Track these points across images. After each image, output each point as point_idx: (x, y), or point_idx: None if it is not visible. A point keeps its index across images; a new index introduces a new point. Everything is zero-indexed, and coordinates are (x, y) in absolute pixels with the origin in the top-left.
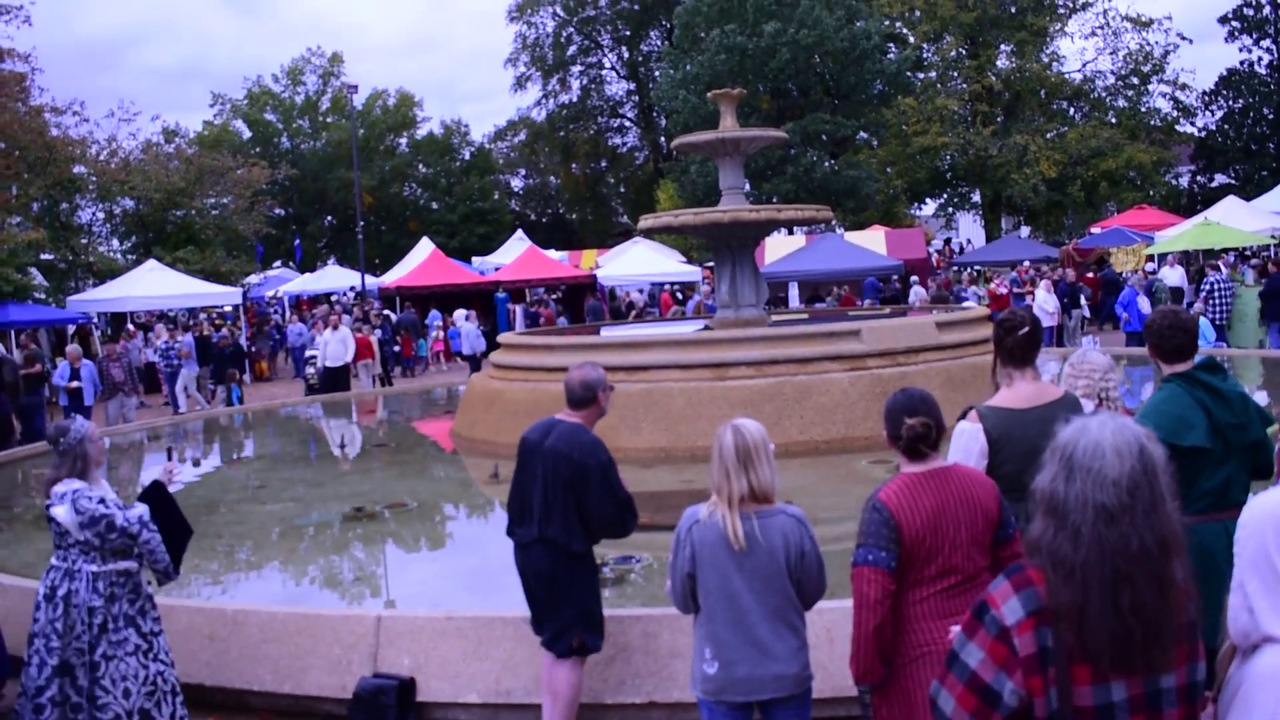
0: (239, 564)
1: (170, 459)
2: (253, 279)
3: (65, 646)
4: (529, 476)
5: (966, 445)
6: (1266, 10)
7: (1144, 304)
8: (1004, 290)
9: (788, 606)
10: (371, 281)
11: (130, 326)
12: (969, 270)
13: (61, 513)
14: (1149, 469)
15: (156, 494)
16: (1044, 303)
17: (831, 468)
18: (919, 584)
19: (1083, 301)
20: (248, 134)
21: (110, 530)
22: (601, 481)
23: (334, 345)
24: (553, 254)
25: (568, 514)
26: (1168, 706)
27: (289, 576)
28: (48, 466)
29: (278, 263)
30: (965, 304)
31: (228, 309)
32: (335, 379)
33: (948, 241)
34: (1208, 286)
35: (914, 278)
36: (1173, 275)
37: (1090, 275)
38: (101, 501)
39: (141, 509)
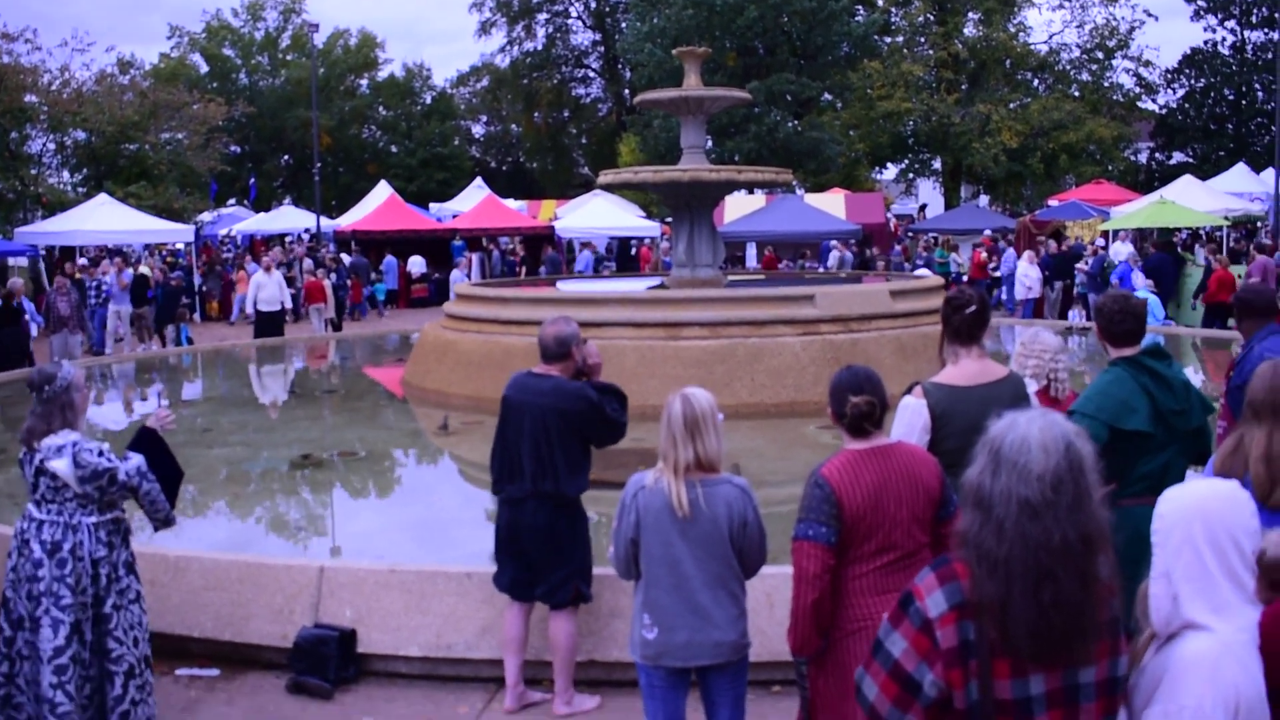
0: (183, 509)
1: (160, 405)
2: (206, 217)
3: (78, 603)
4: (515, 432)
5: (910, 420)
6: None
7: (1138, 279)
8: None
9: (729, 574)
10: (327, 224)
11: (82, 261)
12: (925, 238)
13: (62, 466)
14: (1074, 465)
15: (148, 440)
16: (1024, 275)
17: (780, 431)
18: (859, 560)
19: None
20: (205, 68)
21: (112, 484)
22: (597, 419)
23: (269, 288)
24: (511, 203)
25: (559, 464)
26: (1085, 701)
27: (233, 523)
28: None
29: (232, 201)
30: (919, 272)
31: (180, 246)
32: (272, 323)
33: (923, 208)
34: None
35: (832, 241)
36: (1122, 250)
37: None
38: (102, 454)
39: (138, 459)
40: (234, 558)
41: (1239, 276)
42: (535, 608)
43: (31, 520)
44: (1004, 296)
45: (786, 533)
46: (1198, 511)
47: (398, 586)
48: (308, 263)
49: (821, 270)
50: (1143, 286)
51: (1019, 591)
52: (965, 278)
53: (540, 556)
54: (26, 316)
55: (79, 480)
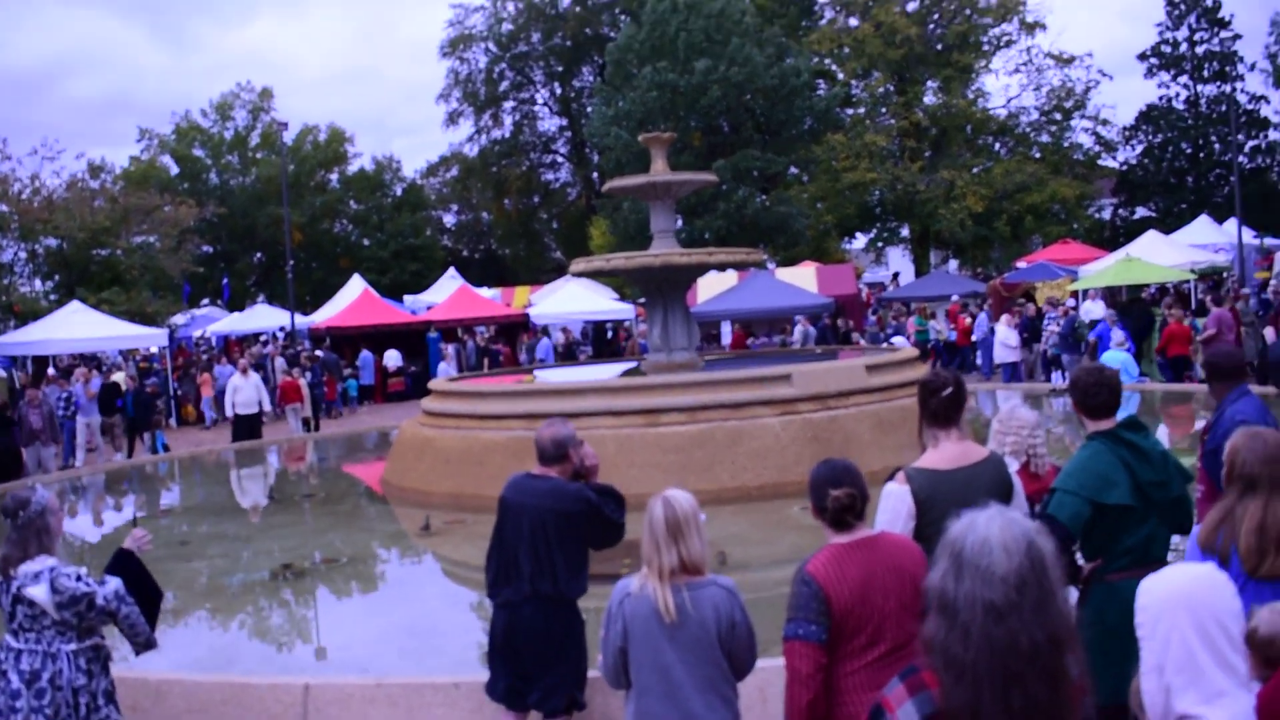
0: (163, 626)
1: (137, 527)
2: (179, 319)
3: None
4: (514, 534)
5: (894, 507)
6: (1184, 48)
7: (1117, 336)
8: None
9: (720, 678)
10: (301, 321)
11: (51, 371)
12: (896, 306)
13: (40, 593)
14: (1037, 564)
15: (125, 563)
16: (1005, 338)
17: (764, 514)
18: (850, 655)
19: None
20: (176, 170)
21: (90, 609)
22: (597, 520)
23: (245, 391)
24: (485, 292)
25: (559, 566)
26: None
27: (216, 638)
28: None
29: (205, 301)
30: (895, 339)
31: (154, 350)
32: (250, 426)
33: (895, 275)
34: (1048, 322)
35: (798, 317)
36: (1094, 309)
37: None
38: (80, 579)
39: (115, 583)
40: (217, 679)
41: (1196, 330)
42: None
43: (9, 650)
44: (980, 361)
45: (775, 620)
46: (1182, 600)
47: (385, 701)
48: (281, 362)
49: (791, 344)
50: (1118, 345)
51: (988, 698)
52: (944, 344)
53: (536, 661)
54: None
55: (57, 606)
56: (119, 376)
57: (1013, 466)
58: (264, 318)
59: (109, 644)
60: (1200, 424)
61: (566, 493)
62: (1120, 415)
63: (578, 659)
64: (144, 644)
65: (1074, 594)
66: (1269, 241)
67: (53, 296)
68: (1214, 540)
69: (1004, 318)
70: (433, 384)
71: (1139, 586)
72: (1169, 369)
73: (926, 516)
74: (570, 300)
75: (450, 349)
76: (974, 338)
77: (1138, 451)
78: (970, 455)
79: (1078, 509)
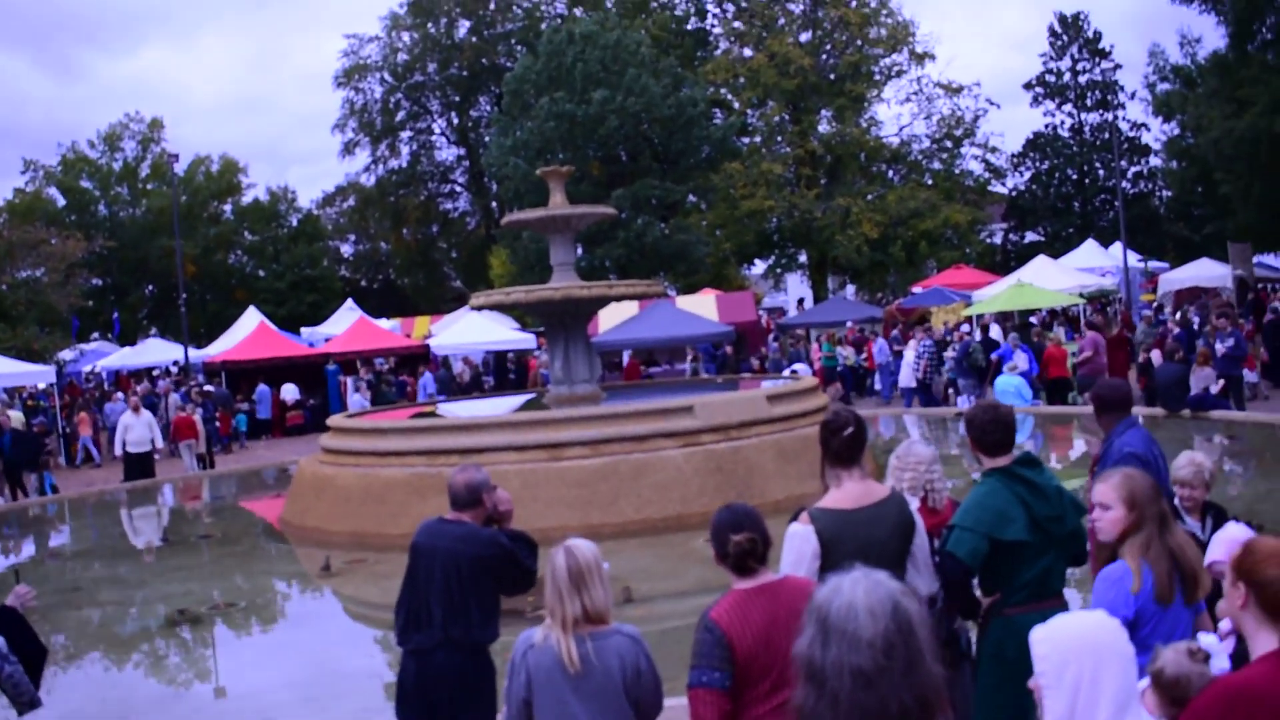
0: (53, 682)
1: (19, 582)
2: (67, 355)
3: None
4: (425, 579)
5: (799, 548)
6: (1067, 77)
7: (1020, 359)
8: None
9: None
10: (196, 354)
11: None
12: (794, 332)
13: None
14: (904, 626)
15: (8, 621)
16: (911, 363)
17: (669, 547)
18: (755, 701)
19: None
20: (63, 201)
21: None
22: (509, 565)
23: (137, 429)
24: (384, 323)
25: (471, 611)
26: None
27: (108, 693)
28: None
29: (95, 336)
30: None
31: (41, 387)
32: (142, 465)
33: (800, 301)
34: (919, 350)
35: (663, 359)
36: (997, 332)
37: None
38: None
39: None
40: None
41: (1072, 352)
42: None
43: None
44: (879, 386)
45: (682, 654)
46: (1088, 647)
47: None
48: (175, 398)
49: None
50: (1010, 370)
51: None
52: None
53: (447, 709)
54: None
55: None
56: (12, 414)
57: (912, 504)
58: (157, 352)
59: None
60: (1080, 446)
61: (479, 538)
62: (1015, 449)
63: (489, 707)
64: (28, 703)
65: (973, 632)
66: (1153, 265)
67: None
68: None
69: (911, 342)
70: (331, 421)
71: (1032, 635)
72: (1050, 391)
73: (831, 557)
74: (471, 330)
75: (357, 382)
76: (876, 362)
77: (1033, 487)
78: (873, 494)
79: (976, 545)
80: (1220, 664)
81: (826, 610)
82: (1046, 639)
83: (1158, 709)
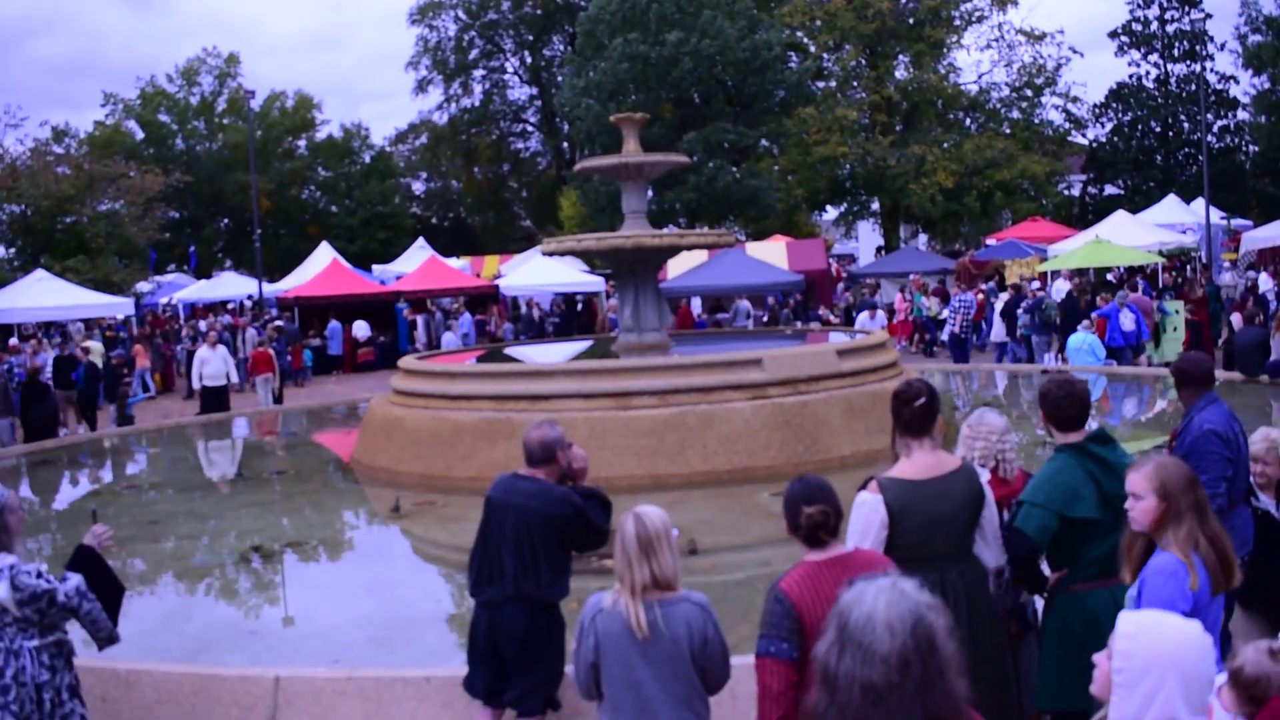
0: (131, 613)
1: (95, 521)
2: (145, 287)
3: None
4: (497, 535)
5: (867, 517)
6: (1154, 26)
7: (1126, 319)
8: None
9: (692, 694)
10: (269, 289)
11: (14, 340)
12: (860, 282)
13: (0, 591)
14: (923, 644)
15: (86, 559)
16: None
17: (734, 499)
18: None
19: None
20: (141, 135)
21: (51, 605)
22: (581, 525)
23: (213, 363)
24: (454, 262)
25: (542, 568)
26: None
27: (185, 627)
28: None
29: (171, 268)
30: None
31: (119, 319)
32: (217, 399)
33: (879, 249)
34: (954, 305)
35: (743, 302)
36: (1064, 287)
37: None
38: (40, 575)
39: (76, 579)
40: (186, 669)
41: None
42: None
43: None
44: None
45: (745, 610)
46: (1172, 663)
47: (356, 694)
48: (252, 333)
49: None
50: (1086, 328)
51: None
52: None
53: (517, 661)
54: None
55: (18, 604)
56: (92, 345)
57: (983, 475)
58: (231, 285)
59: (71, 639)
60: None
61: (552, 495)
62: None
63: (557, 660)
64: (106, 639)
65: (1039, 603)
66: (1236, 223)
67: (16, 264)
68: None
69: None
70: (402, 362)
71: (1121, 624)
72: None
73: (900, 526)
74: (540, 272)
75: (448, 321)
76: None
77: (1104, 465)
78: (943, 465)
79: (1045, 522)
80: None
81: (847, 618)
82: (1135, 636)
83: (1235, 707)
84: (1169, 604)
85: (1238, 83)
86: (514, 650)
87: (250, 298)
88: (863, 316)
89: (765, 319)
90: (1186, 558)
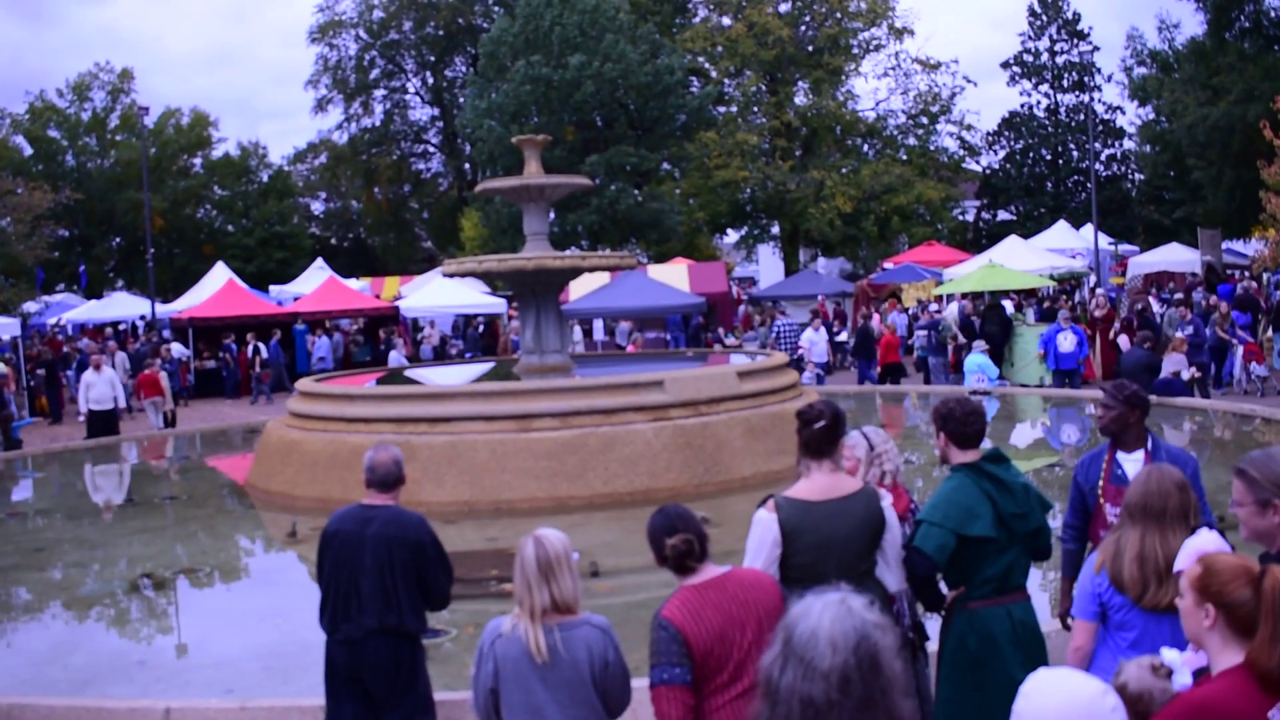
0: (15, 644)
1: None
2: (32, 307)
3: None
4: (351, 569)
5: (761, 535)
6: (1045, 58)
7: (1065, 341)
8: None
9: (593, 718)
10: (162, 309)
11: None
12: (765, 305)
13: None
14: (865, 662)
15: None
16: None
17: (636, 521)
18: (715, 691)
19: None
20: (29, 150)
21: None
22: (438, 557)
23: (99, 387)
24: (354, 283)
25: (404, 597)
26: None
27: (72, 658)
28: None
29: (60, 287)
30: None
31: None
32: (106, 423)
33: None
34: (776, 329)
35: (623, 324)
36: (953, 310)
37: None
38: None
39: None
40: (71, 702)
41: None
42: None
43: None
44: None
45: (646, 635)
46: None
47: None
48: (121, 357)
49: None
50: (978, 349)
51: None
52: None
53: (386, 694)
54: None
55: None
56: None
57: (887, 499)
58: (123, 306)
59: None
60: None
61: (410, 522)
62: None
63: (425, 689)
64: None
65: (937, 621)
66: (1123, 248)
67: None
68: (1112, 570)
69: (812, 324)
70: (299, 385)
71: (1021, 689)
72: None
73: (792, 546)
74: (441, 293)
75: (393, 341)
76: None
77: (1000, 484)
78: (841, 488)
79: (943, 540)
80: (1183, 680)
81: (791, 631)
82: (1028, 696)
83: None
84: None
85: (1124, 113)
86: (381, 684)
87: (143, 318)
88: (807, 334)
89: (684, 341)
90: None
